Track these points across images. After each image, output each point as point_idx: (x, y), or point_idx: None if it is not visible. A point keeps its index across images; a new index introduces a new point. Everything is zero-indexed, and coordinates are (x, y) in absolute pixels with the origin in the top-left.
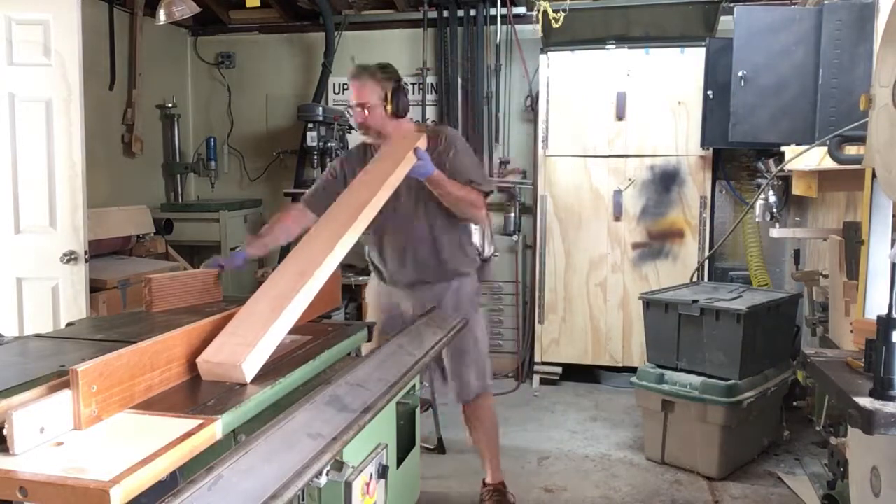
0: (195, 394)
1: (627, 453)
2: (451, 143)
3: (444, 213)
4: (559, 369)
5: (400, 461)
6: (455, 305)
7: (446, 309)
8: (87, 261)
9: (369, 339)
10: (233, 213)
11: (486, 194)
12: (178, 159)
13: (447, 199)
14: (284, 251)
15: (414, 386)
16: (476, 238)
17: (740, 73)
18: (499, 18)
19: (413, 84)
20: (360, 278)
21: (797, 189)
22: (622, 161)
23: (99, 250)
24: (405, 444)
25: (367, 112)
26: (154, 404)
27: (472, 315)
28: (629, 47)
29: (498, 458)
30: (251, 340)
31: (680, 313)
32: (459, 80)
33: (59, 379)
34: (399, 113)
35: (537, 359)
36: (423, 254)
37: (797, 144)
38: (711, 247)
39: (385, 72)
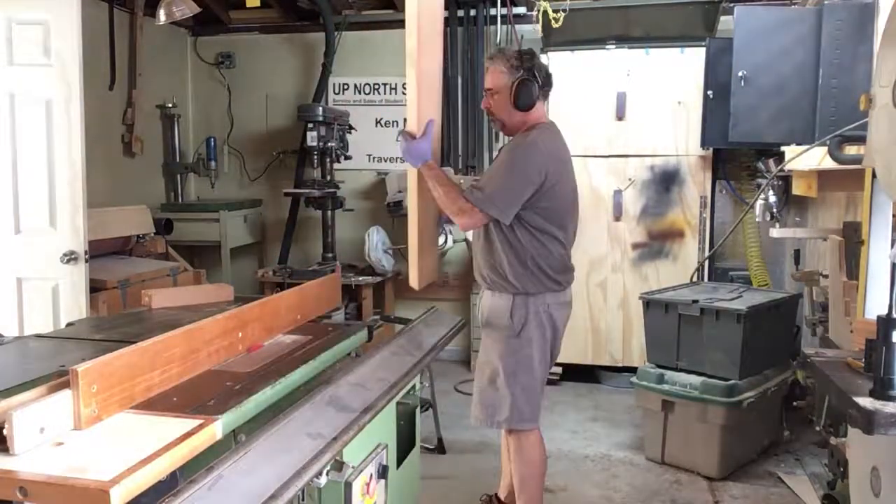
0: (195, 394)
1: (627, 453)
2: (511, 145)
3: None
4: (559, 369)
5: (400, 461)
6: (485, 320)
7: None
8: (87, 261)
9: (369, 340)
10: (233, 213)
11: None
12: (178, 159)
13: (437, 195)
14: (285, 251)
15: (414, 386)
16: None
17: (740, 73)
18: (499, 18)
19: None
20: (360, 278)
21: (797, 189)
22: (622, 161)
23: (99, 250)
24: (405, 444)
25: (491, 99)
26: (154, 404)
27: (498, 339)
28: (629, 47)
29: (528, 499)
30: None
31: (680, 313)
32: (459, 80)
33: (59, 379)
34: (520, 107)
35: None
36: (476, 254)
37: (797, 144)
38: (711, 247)
39: (520, 59)
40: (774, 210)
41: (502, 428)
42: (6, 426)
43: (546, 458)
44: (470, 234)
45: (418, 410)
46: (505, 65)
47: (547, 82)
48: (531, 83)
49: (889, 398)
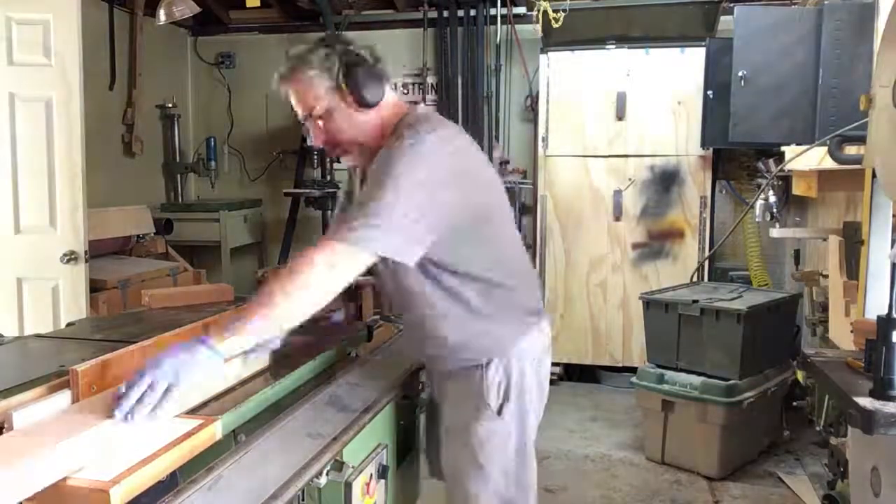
0: None
1: (627, 453)
2: (387, 144)
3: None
4: (559, 369)
5: (400, 461)
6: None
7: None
8: (87, 261)
9: (369, 340)
10: (233, 213)
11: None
12: (178, 159)
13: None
14: (285, 251)
15: (414, 386)
16: None
17: (740, 73)
18: (499, 18)
19: (413, 84)
20: (360, 278)
21: (797, 189)
22: (622, 161)
23: (99, 250)
24: (405, 444)
25: (322, 124)
26: None
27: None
28: (629, 47)
29: None
30: None
31: (680, 313)
32: (459, 80)
33: (59, 379)
34: (368, 101)
35: None
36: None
37: (797, 144)
38: (711, 247)
39: (319, 46)
40: (774, 210)
41: None
42: (6, 426)
43: None
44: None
45: (418, 410)
46: (310, 66)
47: (376, 58)
48: (360, 63)
49: (889, 398)
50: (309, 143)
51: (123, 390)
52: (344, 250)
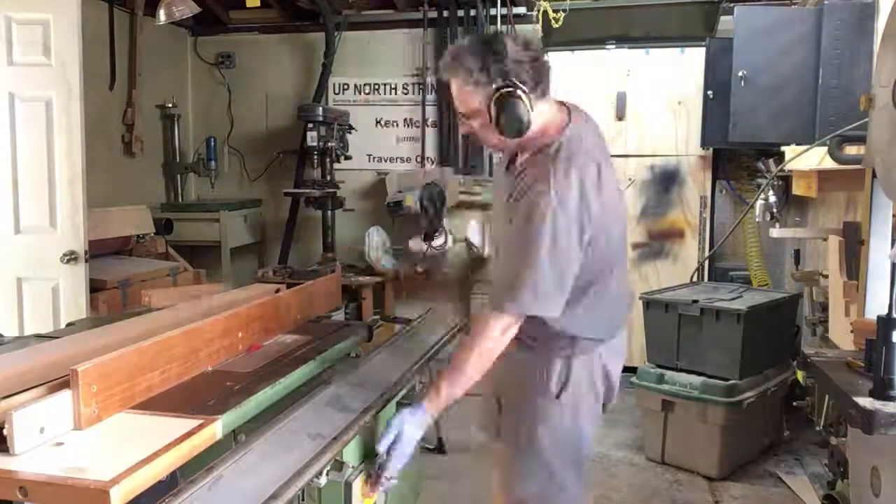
0: (195, 394)
1: (627, 453)
2: (526, 181)
3: None
4: None
5: None
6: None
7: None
8: (87, 261)
9: (369, 340)
10: (233, 213)
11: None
12: (178, 159)
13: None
14: (285, 251)
15: (414, 386)
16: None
17: (740, 73)
18: (499, 18)
19: (413, 84)
20: (360, 278)
21: (797, 189)
22: (622, 161)
23: (99, 250)
24: None
25: (470, 123)
26: (154, 404)
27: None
28: (629, 47)
29: None
30: None
31: (680, 313)
32: None
33: (59, 379)
34: (509, 134)
35: None
36: None
37: (797, 144)
38: (711, 247)
39: (483, 61)
40: (774, 210)
41: None
42: (6, 426)
43: None
44: (474, 237)
45: None
46: (467, 78)
47: (539, 75)
48: (513, 93)
49: (889, 398)
50: (309, 142)
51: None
52: (510, 318)
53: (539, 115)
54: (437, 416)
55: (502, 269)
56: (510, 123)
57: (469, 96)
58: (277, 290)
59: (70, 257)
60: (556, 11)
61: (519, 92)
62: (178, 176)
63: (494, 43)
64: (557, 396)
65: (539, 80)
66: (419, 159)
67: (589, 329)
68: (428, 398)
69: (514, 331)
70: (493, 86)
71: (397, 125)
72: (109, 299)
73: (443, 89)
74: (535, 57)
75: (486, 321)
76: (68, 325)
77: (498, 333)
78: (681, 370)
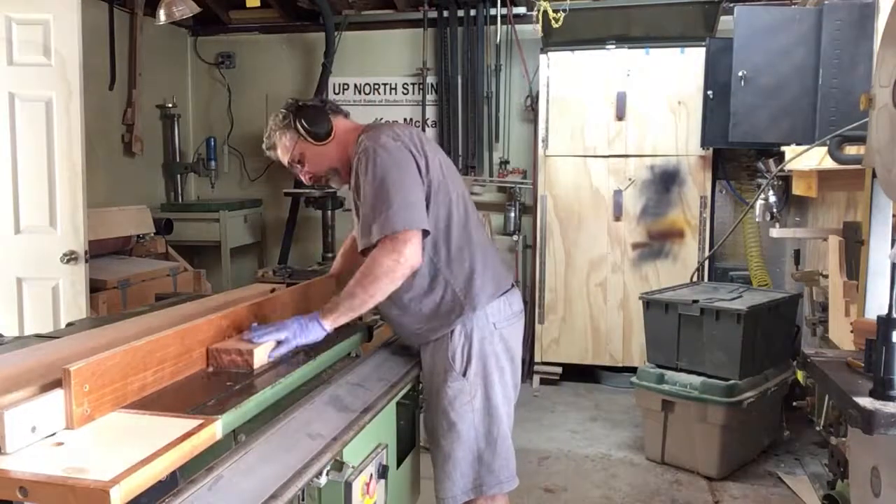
0: (191, 393)
1: (627, 453)
2: (359, 162)
3: None
4: (559, 369)
5: (400, 461)
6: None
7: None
8: (87, 261)
9: (369, 340)
10: (233, 213)
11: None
12: (178, 159)
13: (366, 306)
14: (285, 251)
15: (414, 386)
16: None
17: (740, 73)
18: (499, 18)
19: (413, 84)
20: None
21: (797, 189)
22: (622, 161)
23: (99, 250)
24: (405, 444)
25: (307, 168)
26: (148, 404)
27: (450, 388)
28: (629, 47)
29: None
30: None
31: (680, 313)
32: (459, 80)
33: (53, 378)
34: (321, 135)
35: (537, 359)
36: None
37: (797, 144)
38: (711, 247)
39: (278, 116)
40: (774, 210)
41: (471, 495)
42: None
43: None
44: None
45: (418, 410)
46: (279, 130)
47: (324, 103)
48: (306, 109)
49: (889, 398)
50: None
51: (255, 325)
52: (389, 242)
53: (338, 124)
54: (326, 329)
55: (369, 215)
56: (317, 126)
57: (286, 139)
58: (272, 290)
59: (70, 257)
60: (556, 11)
61: (307, 107)
62: (178, 176)
63: (287, 103)
64: (464, 374)
65: (324, 102)
66: None
67: (474, 267)
68: (322, 309)
69: (410, 254)
70: (288, 118)
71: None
72: (109, 299)
73: (443, 89)
74: (322, 99)
75: (372, 256)
76: (68, 325)
77: (383, 257)
78: (681, 370)
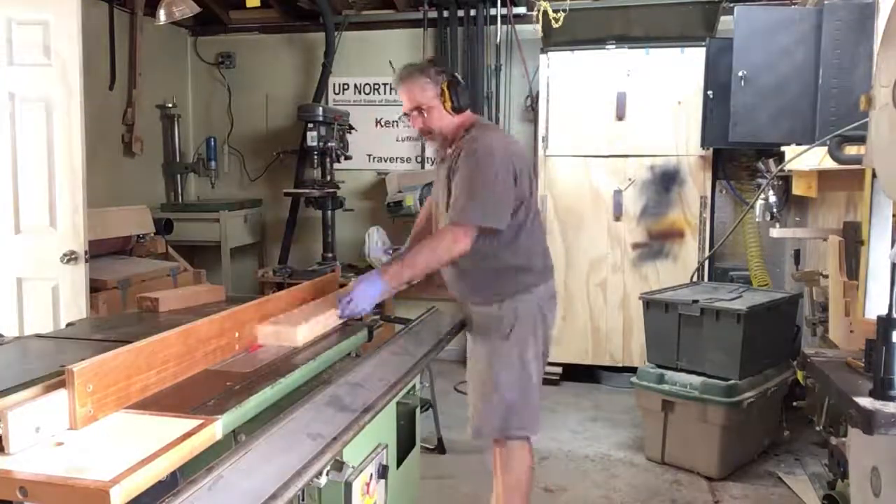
0: (193, 394)
1: (627, 453)
2: (466, 154)
3: None
4: (559, 369)
5: (400, 461)
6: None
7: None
8: (87, 261)
9: (369, 340)
10: (233, 213)
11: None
12: (178, 159)
13: (422, 275)
14: (285, 251)
15: (414, 386)
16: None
17: (740, 73)
18: (499, 18)
19: None
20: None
21: (797, 189)
22: (622, 161)
23: (99, 250)
24: (405, 444)
25: (422, 116)
26: (151, 404)
27: (494, 345)
28: (629, 47)
29: None
30: None
31: (680, 313)
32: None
33: (56, 378)
34: (457, 108)
35: None
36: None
37: (797, 144)
38: (711, 247)
39: (434, 65)
40: (774, 210)
41: (511, 436)
42: (1, 426)
43: (532, 475)
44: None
45: (418, 410)
46: (424, 77)
47: (465, 86)
48: (457, 83)
49: (889, 398)
50: (309, 142)
51: (339, 300)
52: (462, 229)
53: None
54: (389, 287)
55: (456, 200)
56: (460, 99)
57: (426, 89)
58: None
59: (70, 257)
60: (556, 11)
61: (458, 81)
62: (178, 176)
63: (433, 58)
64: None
65: (466, 87)
66: (419, 159)
67: (531, 261)
68: (384, 270)
69: (464, 243)
70: (442, 77)
71: (397, 125)
72: (109, 299)
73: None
74: (453, 74)
75: (444, 232)
76: (68, 325)
77: (450, 240)
78: (681, 370)
